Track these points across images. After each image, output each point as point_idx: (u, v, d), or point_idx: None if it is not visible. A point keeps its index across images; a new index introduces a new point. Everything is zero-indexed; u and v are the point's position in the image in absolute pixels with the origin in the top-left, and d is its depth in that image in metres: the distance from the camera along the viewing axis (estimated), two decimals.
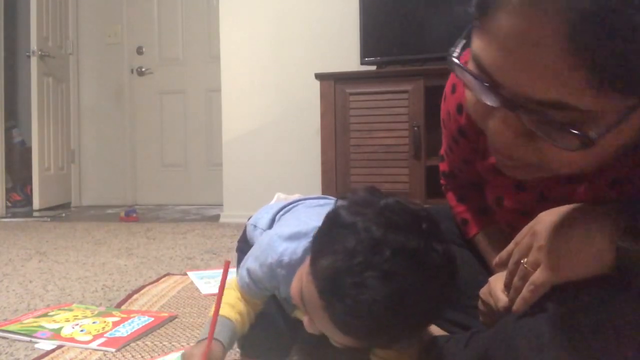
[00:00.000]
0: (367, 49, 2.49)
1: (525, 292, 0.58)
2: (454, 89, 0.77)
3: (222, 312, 0.81)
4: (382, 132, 2.31)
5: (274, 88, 2.91)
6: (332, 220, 0.68)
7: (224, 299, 0.82)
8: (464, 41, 0.48)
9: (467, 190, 0.92)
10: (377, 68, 2.49)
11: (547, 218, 0.59)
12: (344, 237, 0.63)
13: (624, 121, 0.43)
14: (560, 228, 0.57)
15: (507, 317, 0.65)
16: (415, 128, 2.25)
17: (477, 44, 0.46)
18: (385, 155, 2.31)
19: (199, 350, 0.78)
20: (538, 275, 0.57)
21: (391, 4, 2.48)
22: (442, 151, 0.92)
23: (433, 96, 2.28)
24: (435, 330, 0.92)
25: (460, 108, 0.76)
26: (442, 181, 0.96)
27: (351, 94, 2.35)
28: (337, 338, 0.67)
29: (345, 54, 2.71)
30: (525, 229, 0.62)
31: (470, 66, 0.47)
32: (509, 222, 0.76)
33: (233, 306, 0.85)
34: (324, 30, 2.80)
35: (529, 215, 0.66)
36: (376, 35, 2.49)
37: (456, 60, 0.48)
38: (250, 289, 0.85)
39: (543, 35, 0.40)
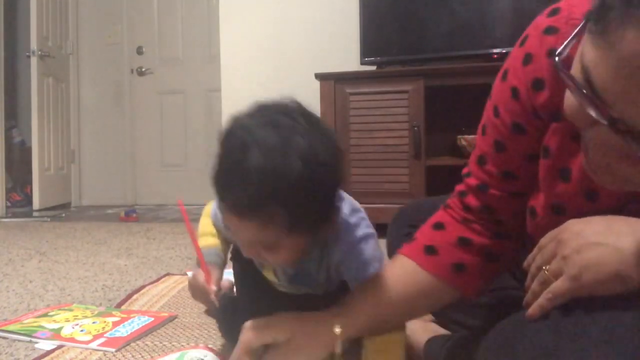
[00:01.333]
0: (367, 49, 2.49)
1: (543, 299, 0.56)
2: (505, 76, 0.68)
3: (204, 243, 0.91)
4: (382, 132, 2.31)
5: (274, 88, 2.91)
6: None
7: (203, 229, 0.93)
8: (574, 41, 0.45)
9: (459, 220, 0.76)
10: (377, 68, 2.49)
11: (576, 227, 0.56)
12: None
13: None
14: (589, 239, 0.53)
15: (506, 320, 0.64)
16: (415, 128, 2.25)
17: (591, 54, 0.42)
18: (385, 155, 2.31)
19: (200, 277, 0.85)
20: (559, 285, 0.55)
21: (391, 3, 2.48)
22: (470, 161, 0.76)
23: (433, 96, 2.28)
24: (435, 330, 0.92)
25: (516, 92, 0.65)
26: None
27: (351, 94, 2.35)
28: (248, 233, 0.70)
29: (345, 54, 2.71)
30: (550, 235, 0.58)
31: (575, 71, 0.45)
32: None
33: (212, 234, 0.93)
34: (324, 30, 2.80)
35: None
36: (376, 35, 2.49)
37: (560, 67, 0.45)
38: (217, 219, 0.91)
39: None
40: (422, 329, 0.93)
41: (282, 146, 0.65)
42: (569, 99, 0.48)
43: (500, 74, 0.69)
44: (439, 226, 0.75)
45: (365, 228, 0.81)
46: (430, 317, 1.02)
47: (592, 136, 0.48)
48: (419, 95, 2.25)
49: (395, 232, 1.04)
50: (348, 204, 0.81)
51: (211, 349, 0.98)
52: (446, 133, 2.45)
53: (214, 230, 0.93)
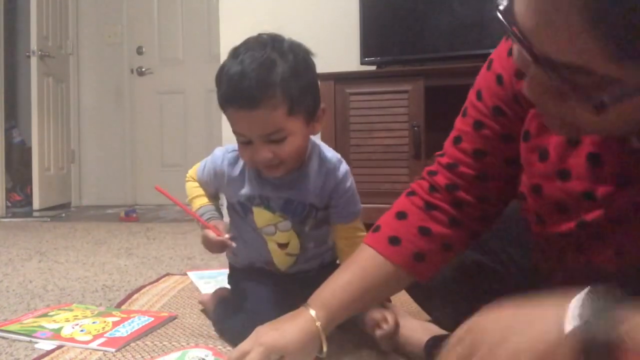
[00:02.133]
0: (367, 49, 2.49)
1: None
2: (490, 65, 0.74)
3: (198, 203, 1.07)
4: (382, 132, 2.31)
5: None
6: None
7: (192, 193, 1.10)
8: None
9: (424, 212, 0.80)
10: (377, 68, 2.48)
11: (486, 325, 0.51)
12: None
13: None
14: (501, 341, 0.48)
15: None
16: (415, 128, 2.25)
17: (517, 3, 0.47)
18: (385, 155, 2.31)
19: (211, 234, 0.99)
20: None
21: (391, 4, 2.48)
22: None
23: (433, 96, 2.28)
24: (435, 330, 0.92)
25: (500, 79, 0.71)
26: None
27: (351, 94, 2.35)
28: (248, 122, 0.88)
29: (345, 54, 2.71)
30: (458, 334, 0.54)
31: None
32: (541, 214, 0.69)
33: (202, 195, 1.08)
34: (324, 30, 2.80)
35: (568, 211, 0.64)
36: (376, 35, 2.49)
37: (499, 15, 0.49)
38: (202, 175, 1.08)
39: (565, 1, 0.42)
40: (422, 329, 0.93)
41: (272, 44, 0.87)
42: (514, 46, 0.52)
43: (485, 64, 0.75)
44: (401, 215, 0.81)
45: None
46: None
47: (527, 83, 0.52)
48: (419, 95, 2.25)
49: None
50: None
51: (212, 349, 0.98)
52: (446, 133, 2.41)
53: (202, 192, 1.08)
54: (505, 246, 0.88)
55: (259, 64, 0.84)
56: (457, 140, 0.77)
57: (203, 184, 1.10)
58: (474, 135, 0.74)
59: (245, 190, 1.01)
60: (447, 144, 0.79)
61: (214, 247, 1.02)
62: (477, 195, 0.76)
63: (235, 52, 0.88)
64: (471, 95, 0.76)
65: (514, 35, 0.48)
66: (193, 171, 1.12)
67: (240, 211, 1.04)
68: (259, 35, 0.90)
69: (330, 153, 1.02)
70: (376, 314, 0.93)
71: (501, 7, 0.49)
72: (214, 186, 1.09)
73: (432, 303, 1.00)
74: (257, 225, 1.03)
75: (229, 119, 0.90)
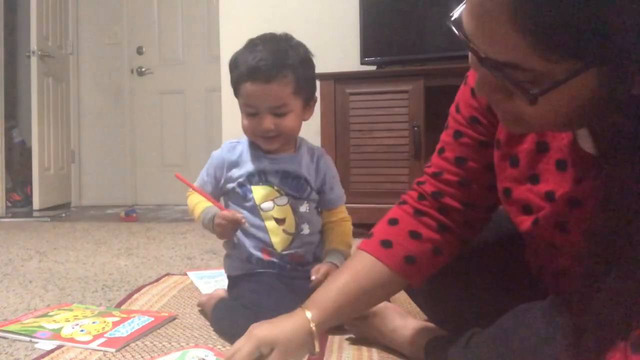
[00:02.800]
0: (367, 49, 2.49)
1: None
2: (465, 81, 0.81)
3: (203, 205, 1.14)
4: (382, 132, 2.31)
5: None
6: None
7: (194, 202, 1.17)
8: (464, 5, 0.53)
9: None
10: (377, 68, 2.49)
11: None
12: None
13: (568, 82, 0.47)
14: None
15: (505, 315, 0.65)
16: (415, 128, 2.25)
17: (464, 11, 0.52)
18: (385, 155, 2.31)
19: (224, 213, 1.08)
20: None
21: (391, 4, 2.48)
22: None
23: (433, 96, 2.28)
24: (435, 330, 0.92)
25: (474, 91, 0.77)
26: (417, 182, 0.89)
27: (351, 94, 2.35)
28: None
29: (345, 54, 2.71)
30: None
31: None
32: (509, 214, 0.75)
33: (204, 201, 1.15)
34: (324, 30, 2.80)
35: (530, 211, 0.69)
36: (376, 35, 2.49)
37: (451, 24, 0.54)
38: (204, 180, 1.17)
39: (493, 4, 0.46)
40: (422, 329, 0.93)
41: (285, 38, 1.10)
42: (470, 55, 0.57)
43: (463, 81, 0.82)
44: (393, 222, 0.85)
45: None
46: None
47: (476, 82, 0.57)
48: (419, 95, 2.25)
49: None
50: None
51: (212, 349, 0.98)
52: None
53: (203, 199, 1.14)
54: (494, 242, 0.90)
55: (275, 50, 1.05)
56: (441, 150, 0.83)
57: (205, 184, 1.19)
58: (454, 144, 0.80)
59: (245, 168, 1.13)
60: (434, 155, 0.85)
61: (229, 227, 1.09)
62: (462, 201, 0.80)
63: (252, 42, 1.09)
64: (452, 109, 0.82)
65: (463, 40, 0.53)
66: (191, 193, 1.21)
67: (240, 193, 1.13)
68: (273, 33, 1.11)
69: (316, 146, 1.23)
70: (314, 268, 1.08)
71: (453, 17, 0.54)
72: (215, 180, 1.17)
73: (430, 303, 1.00)
74: (257, 202, 1.12)
75: (242, 94, 1.08)
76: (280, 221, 1.12)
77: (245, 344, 0.77)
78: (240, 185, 1.13)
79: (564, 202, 0.65)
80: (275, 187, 1.12)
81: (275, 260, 1.13)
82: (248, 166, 1.13)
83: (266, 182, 1.12)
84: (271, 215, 1.12)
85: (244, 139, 1.17)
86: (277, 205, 1.12)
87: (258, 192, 1.12)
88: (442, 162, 0.82)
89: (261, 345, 0.77)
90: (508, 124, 0.60)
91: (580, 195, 0.63)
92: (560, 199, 0.66)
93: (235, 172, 1.14)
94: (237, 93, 1.11)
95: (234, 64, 1.09)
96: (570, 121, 0.55)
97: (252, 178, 1.13)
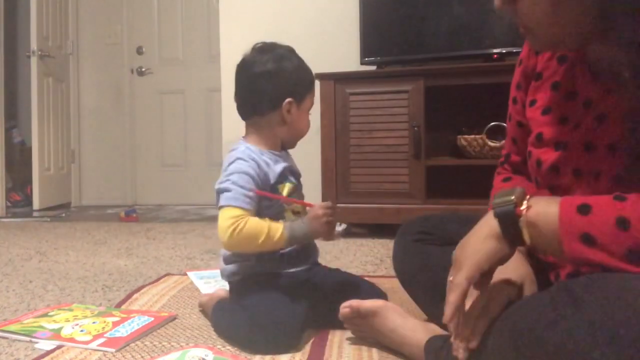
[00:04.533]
0: (367, 49, 2.49)
1: (447, 294, 0.66)
2: (520, 63, 0.87)
3: (279, 226, 1.04)
4: (382, 132, 2.31)
5: None
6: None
7: (262, 227, 1.03)
8: None
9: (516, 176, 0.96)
10: (377, 68, 2.48)
11: (462, 240, 0.69)
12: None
13: None
14: (464, 240, 0.69)
15: (507, 309, 0.65)
16: (415, 128, 2.25)
17: None
18: (385, 155, 2.31)
19: (316, 210, 1.06)
20: (451, 277, 0.67)
21: (391, 3, 2.48)
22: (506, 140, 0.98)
23: (433, 96, 2.28)
24: (435, 330, 0.92)
25: (520, 61, 0.87)
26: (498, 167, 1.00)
27: (351, 94, 2.35)
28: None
29: (345, 54, 2.71)
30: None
31: None
32: (542, 159, 0.79)
33: (276, 225, 1.04)
34: (324, 30, 2.80)
35: (564, 147, 0.75)
36: (376, 35, 2.49)
37: None
38: (243, 194, 1.05)
39: None
40: (422, 329, 0.93)
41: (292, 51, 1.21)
42: None
43: (517, 63, 0.89)
44: (507, 179, 0.95)
45: None
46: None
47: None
48: (419, 95, 2.25)
49: (403, 238, 1.05)
50: None
51: (212, 348, 0.98)
52: (446, 133, 2.45)
53: (271, 223, 1.04)
54: None
55: (302, 63, 1.22)
56: (513, 140, 0.94)
57: (252, 201, 1.07)
58: (518, 130, 0.90)
59: (277, 168, 1.13)
60: (506, 141, 0.97)
61: (323, 219, 1.06)
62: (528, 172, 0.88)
63: (285, 51, 1.19)
64: (510, 102, 0.91)
65: None
66: (233, 210, 1.04)
67: (271, 194, 1.11)
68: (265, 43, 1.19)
69: None
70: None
71: None
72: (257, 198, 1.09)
73: (429, 301, 1.00)
74: (284, 193, 1.14)
75: (308, 100, 1.18)
76: (297, 213, 1.15)
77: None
78: (272, 187, 1.12)
79: (592, 121, 0.71)
80: (293, 181, 1.17)
81: (293, 253, 1.13)
82: (275, 170, 1.13)
83: (287, 180, 1.16)
84: (291, 209, 1.15)
85: (242, 147, 1.13)
86: (296, 195, 1.18)
87: (284, 188, 1.14)
88: (510, 145, 0.95)
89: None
90: (524, 36, 0.72)
91: (606, 111, 0.70)
92: (585, 122, 0.72)
93: (268, 175, 1.12)
94: (303, 97, 1.17)
95: (291, 75, 1.15)
96: (570, 32, 0.65)
97: (282, 177, 1.15)
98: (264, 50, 1.16)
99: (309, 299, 1.08)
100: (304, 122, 1.20)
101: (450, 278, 0.67)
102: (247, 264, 1.12)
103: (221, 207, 1.05)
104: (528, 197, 0.64)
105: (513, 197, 0.64)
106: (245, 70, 1.15)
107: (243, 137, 1.18)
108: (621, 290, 0.52)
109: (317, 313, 1.09)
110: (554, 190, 0.76)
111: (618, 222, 0.56)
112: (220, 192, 1.07)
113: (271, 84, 1.12)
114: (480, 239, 0.66)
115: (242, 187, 1.05)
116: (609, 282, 0.54)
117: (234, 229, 1.00)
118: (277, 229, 1.03)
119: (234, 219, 1.01)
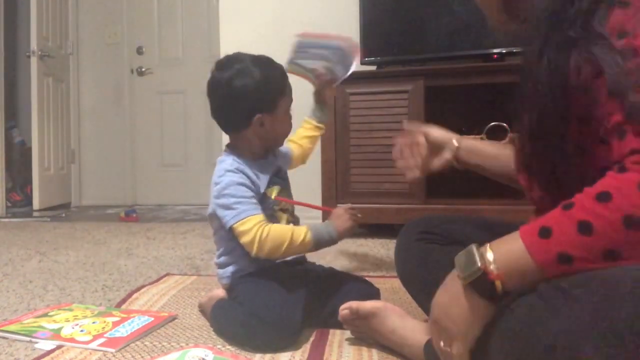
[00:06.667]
0: (367, 49, 2.49)
1: None
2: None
3: (303, 229, 1.08)
4: (382, 132, 2.30)
5: None
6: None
7: (286, 232, 1.07)
8: None
9: None
10: (377, 68, 2.48)
11: (437, 300, 0.70)
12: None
13: None
14: (444, 305, 0.68)
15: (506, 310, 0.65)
16: None
17: None
18: (385, 155, 2.30)
19: (337, 211, 1.13)
20: (442, 344, 0.68)
21: (391, 3, 2.48)
22: None
23: (433, 96, 2.28)
24: None
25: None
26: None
27: (351, 94, 2.35)
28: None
29: None
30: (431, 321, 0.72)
31: None
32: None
33: (300, 229, 1.09)
34: (324, 30, 2.79)
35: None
36: (376, 35, 2.49)
37: None
38: (249, 202, 1.09)
39: None
40: (422, 329, 0.93)
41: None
42: None
43: None
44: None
45: None
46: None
47: None
48: (419, 95, 2.25)
49: (406, 237, 1.05)
50: None
51: (212, 348, 0.98)
52: None
53: (293, 228, 1.09)
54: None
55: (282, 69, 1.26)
56: None
57: (257, 207, 1.11)
58: None
59: (265, 177, 1.15)
60: None
61: (346, 215, 1.12)
62: None
63: (262, 60, 1.23)
64: None
65: None
66: (253, 219, 1.07)
67: (263, 200, 1.14)
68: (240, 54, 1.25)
69: None
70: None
71: None
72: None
73: (429, 301, 1.00)
74: (272, 197, 1.16)
75: (284, 103, 1.17)
76: (285, 211, 1.18)
77: None
78: (263, 193, 1.15)
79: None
80: (280, 183, 1.19)
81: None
82: (264, 180, 1.16)
83: (274, 183, 1.18)
84: (279, 207, 1.17)
85: (229, 160, 1.16)
86: (285, 195, 1.20)
87: (272, 191, 1.17)
88: None
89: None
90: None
91: None
92: None
93: (258, 183, 1.15)
94: (274, 105, 1.15)
95: (254, 92, 1.15)
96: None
97: (270, 182, 1.17)
98: (223, 67, 1.19)
99: (306, 291, 1.09)
100: (283, 125, 1.20)
101: (441, 344, 0.69)
102: (242, 265, 1.14)
103: (238, 220, 1.07)
104: (487, 246, 0.63)
105: (479, 264, 0.61)
106: (212, 92, 1.22)
107: (227, 145, 1.22)
108: (611, 285, 0.52)
109: (313, 306, 1.10)
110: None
111: (580, 230, 0.56)
112: (225, 207, 1.10)
113: (236, 105, 1.15)
114: (466, 308, 0.64)
115: (243, 196, 1.09)
116: (599, 277, 0.54)
117: (260, 235, 1.05)
118: (301, 231, 1.08)
119: (257, 225, 1.06)
